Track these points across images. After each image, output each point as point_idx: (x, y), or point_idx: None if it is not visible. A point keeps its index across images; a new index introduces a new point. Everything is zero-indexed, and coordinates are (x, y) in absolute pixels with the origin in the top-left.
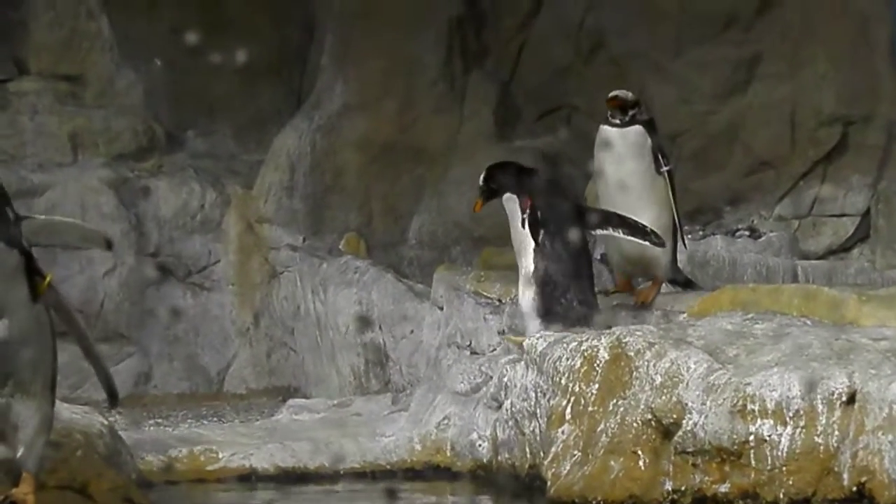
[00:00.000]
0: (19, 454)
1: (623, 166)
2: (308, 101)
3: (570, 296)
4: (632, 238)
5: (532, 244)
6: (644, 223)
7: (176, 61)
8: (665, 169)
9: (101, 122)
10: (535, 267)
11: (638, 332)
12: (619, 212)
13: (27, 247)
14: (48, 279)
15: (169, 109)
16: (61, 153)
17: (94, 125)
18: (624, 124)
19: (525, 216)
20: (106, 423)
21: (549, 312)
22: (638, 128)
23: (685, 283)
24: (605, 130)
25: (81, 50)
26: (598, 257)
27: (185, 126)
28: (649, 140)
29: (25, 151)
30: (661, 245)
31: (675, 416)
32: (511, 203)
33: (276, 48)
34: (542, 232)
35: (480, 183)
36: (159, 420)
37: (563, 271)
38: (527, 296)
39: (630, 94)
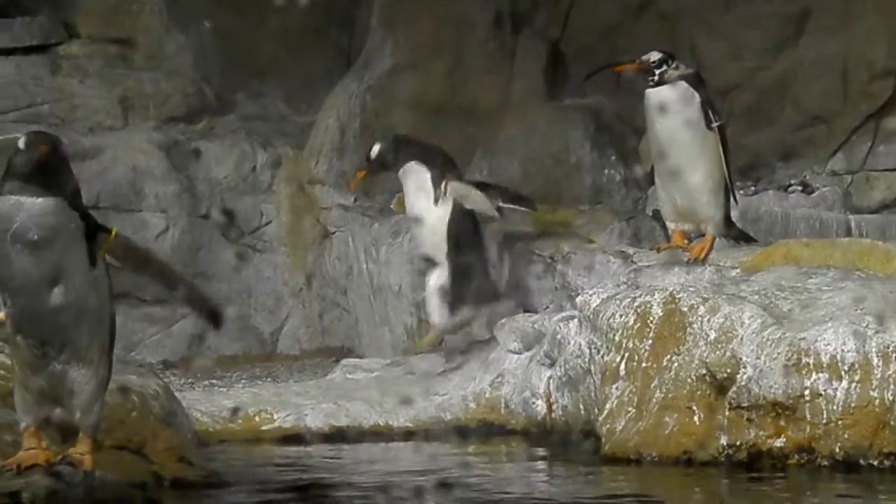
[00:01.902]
0: (76, 417)
1: (671, 124)
2: (358, 62)
3: (480, 277)
4: (511, 206)
5: (446, 225)
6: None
7: (225, 23)
8: (715, 124)
9: (151, 84)
10: (450, 250)
11: (691, 288)
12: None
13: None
14: (113, 233)
15: (219, 71)
16: (112, 116)
17: (144, 88)
18: (658, 83)
19: (440, 193)
20: (161, 383)
21: (460, 297)
22: (680, 84)
23: (740, 237)
24: (649, 92)
25: (131, 13)
26: (650, 213)
27: (235, 88)
28: (697, 95)
29: (76, 115)
30: (533, 208)
31: (729, 371)
32: (418, 175)
33: (325, 9)
34: (457, 213)
35: (375, 153)
36: (213, 381)
37: (476, 254)
38: (436, 280)
39: (655, 54)
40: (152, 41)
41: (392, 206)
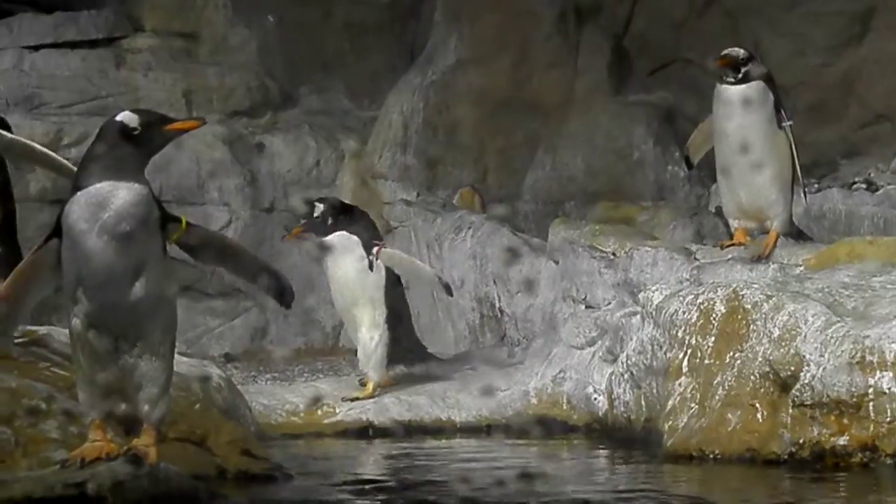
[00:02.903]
0: (143, 410)
1: (744, 123)
2: (421, 57)
3: (411, 336)
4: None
5: (383, 289)
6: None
7: (289, 17)
8: (786, 124)
9: (216, 78)
10: (388, 311)
11: (755, 285)
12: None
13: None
14: (184, 222)
15: (283, 66)
16: (176, 110)
17: (209, 82)
18: (740, 81)
19: (373, 260)
20: (224, 376)
21: (396, 355)
22: (759, 83)
23: (798, 236)
24: (723, 89)
25: (195, 7)
26: (713, 210)
27: (298, 82)
28: (770, 95)
29: (141, 108)
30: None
31: (793, 368)
32: (351, 244)
33: (389, 3)
34: (390, 277)
35: (319, 211)
36: (276, 374)
37: (406, 314)
38: (374, 340)
39: (741, 51)
40: (217, 35)
41: (455, 202)
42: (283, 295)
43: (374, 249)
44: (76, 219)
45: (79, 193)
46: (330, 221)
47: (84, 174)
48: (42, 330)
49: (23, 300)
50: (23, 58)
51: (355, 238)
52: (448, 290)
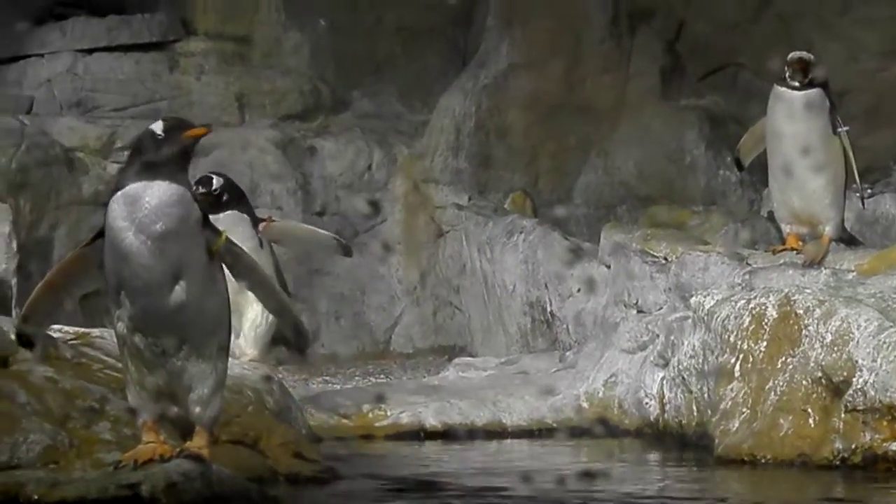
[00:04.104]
0: (194, 412)
1: (801, 128)
2: (473, 61)
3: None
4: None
5: (272, 266)
6: None
7: (342, 21)
8: (842, 129)
9: (268, 82)
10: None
11: (807, 290)
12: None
13: (203, 204)
14: (223, 236)
15: (335, 70)
16: (228, 113)
17: (261, 85)
18: (803, 86)
19: (261, 237)
20: (275, 379)
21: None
22: (818, 90)
23: (850, 241)
24: (784, 92)
25: (248, 10)
26: (765, 215)
27: (350, 86)
28: (827, 101)
29: (193, 112)
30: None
31: (845, 374)
32: (241, 222)
33: (441, 7)
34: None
35: (216, 185)
36: (327, 378)
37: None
38: (265, 318)
39: (812, 56)
40: (269, 39)
41: (506, 206)
42: (302, 342)
43: (261, 225)
44: (114, 217)
45: (118, 194)
46: (225, 198)
47: (122, 177)
48: (95, 332)
49: (63, 293)
50: (76, 61)
51: (245, 216)
52: (347, 251)
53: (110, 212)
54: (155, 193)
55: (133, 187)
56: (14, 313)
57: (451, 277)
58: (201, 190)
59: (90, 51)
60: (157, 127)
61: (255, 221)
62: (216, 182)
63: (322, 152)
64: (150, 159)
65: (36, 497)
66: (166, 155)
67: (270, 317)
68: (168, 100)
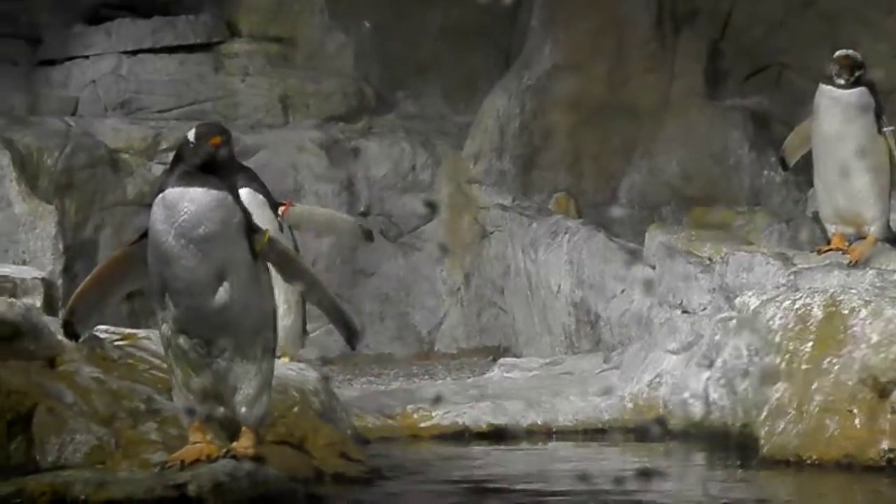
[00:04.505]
0: (240, 412)
1: (847, 127)
2: (517, 62)
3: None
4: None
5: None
6: None
7: (386, 22)
8: (887, 129)
9: (312, 83)
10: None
11: (853, 291)
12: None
13: (245, 204)
14: (266, 235)
15: (379, 71)
16: (272, 114)
17: (305, 87)
18: (849, 85)
19: (282, 221)
20: (320, 380)
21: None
22: (864, 89)
23: (895, 242)
24: (829, 90)
25: (292, 12)
26: (810, 215)
27: (394, 87)
28: (873, 101)
29: (238, 113)
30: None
31: (891, 374)
32: (258, 203)
33: (484, 9)
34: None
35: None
36: (372, 378)
37: None
38: (290, 312)
39: (857, 55)
40: (313, 40)
41: (550, 207)
42: (352, 337)
43: (280, 209)
44: (154, 220)
45: (159, 196)
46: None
47: (164, 180)
48: (141, 333)
49: (109, 290)
50: (121, 62)
51: (261, 197)
52: (368, 235)
53: (152, 214)
54: (194, 198)
55: (172, 192)
56: (60, 314)
57: (496, 278)
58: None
59: (135, 52)
60: (191, 134)
61: (275, 205)
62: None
63: (366, 153)
64: (185, 165)
65: (83, 497)
66: (197, 162)
67: (292, 306)
68: (212, 101)
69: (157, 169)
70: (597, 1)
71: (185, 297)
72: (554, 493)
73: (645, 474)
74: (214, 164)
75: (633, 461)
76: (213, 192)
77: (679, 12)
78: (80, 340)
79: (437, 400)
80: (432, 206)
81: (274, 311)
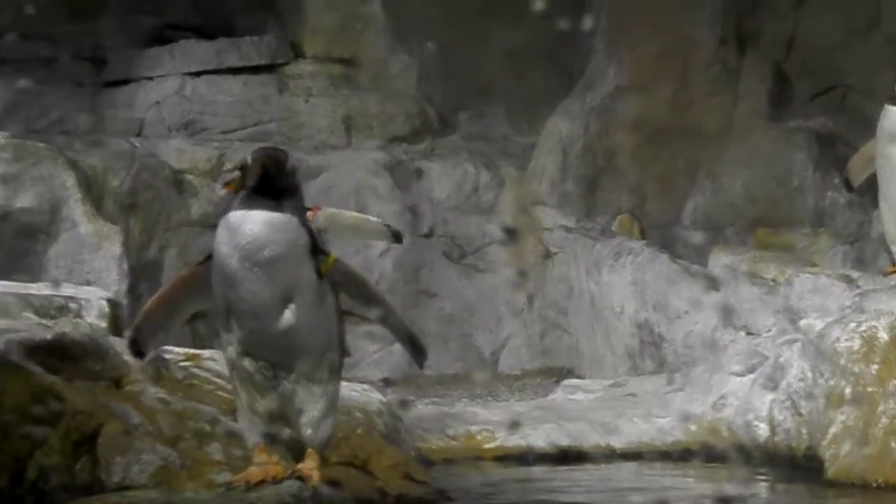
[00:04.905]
0: (305, 434)
1: None
2: (580, 83)
3: None
4: None
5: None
6: None
7: (449, 43)
8: None
9: (375, 104)
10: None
11: None
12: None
13: (312, 227)
14: (332, 257)
15: (442, 92)
16: (336, 135)
17: (368, 108)
18: None
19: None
20: (384, 401)
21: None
22: None
23: None
24: (894, 112)
25: (355, 33)
26: (875, 236)
27: (457, 108)
28: None
29: (301, 134)
30: None
31: None
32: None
33: (547, 30)
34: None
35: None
36: (435, 399)
37: None
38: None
39: None
40: (376, 61)
41: (614, 228)
42: (419, 356)
43: (309, 213)
44: (218, 242)
45: (223, 219)
46: (284, 181)
47: (229, 202)
48: (205, 353)
49: (174, 309)
50: (185, 84)
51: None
52: (397, 238)
53: (216, 236)
54: (257, 221)
55: (235, 215)
56: (126, 334)
57: (559, 299)
58: (237, 173)
59: (199, 73)
60: (249, 158)
61: (302, 209)
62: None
63: (429, 174)
64: (248, 187)
65: None
66: (254, 185)
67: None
68: (276, 122)
69: (222, 190)
70: (661, 23)
71: (249, 319)
72: None
73: (724, 500)
74: (273, 187)
75: (704, 485)
76: (276, 215)
77: (743, 35)
78: (146, 360)
79: (515, 425)
80: (510, 233)
81: (340, 332)
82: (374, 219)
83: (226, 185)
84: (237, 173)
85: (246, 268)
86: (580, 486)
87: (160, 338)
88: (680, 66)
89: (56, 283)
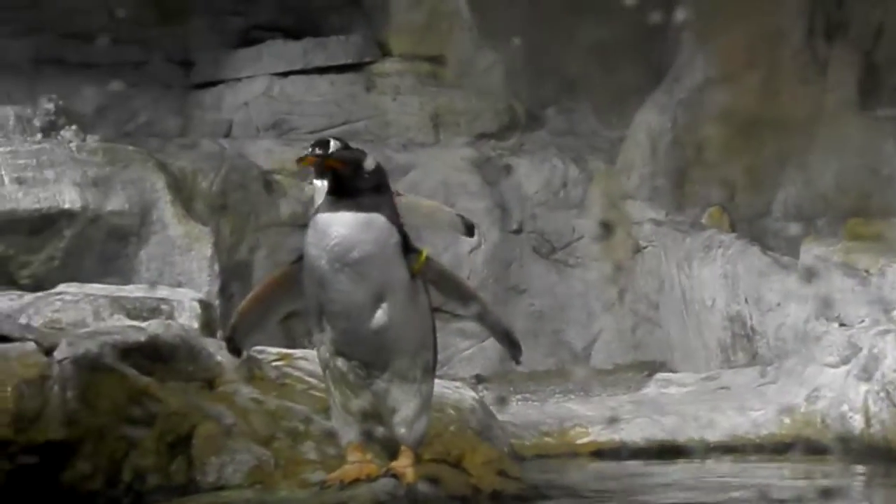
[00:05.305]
0: (399, 433)
1: None
2: (668, 76)
3: None
4: None
5: None
6: None
7: (535, 39)
8: None
9: (462, 101)
10: None
11: None
12: None
13: (402, 224)
14: (424, 254)
15: (529, 88)
16: (424, 133)
17: (455, 105)
18: None
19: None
20: (477, 398)
21: None
22: None
23: None
24: None
25: (441, 31)
26: None
27: (545, 104)
28: None
29: (389, 132)
30: None
31: None
32: None
33: (635, 23)
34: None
35: (329, 150)
36: (527, 395)
37: None
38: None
39: None
40: (463, 58)
41: (703, 221)
42: (515, 351)
43: None
44: (307, 243)
45: (311, 220)
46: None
47: (318, 204)
48: (297, 353)
49: (269, 308)
50: (272, 84)
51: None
52: (469, 230)
53: (306, 237)
54: (344, 222)
55: (322, 216)
56: (219, 335)
57: (650, 293)
58: (317, 151)
59: (286, 74)
60: (330, 140)
61: None
62: (333, 145)
63: (518, 170)
64: (333, 189)
65: None
66: (334, 186)
67: None
68: (364, 121)
69: (310, 189)
70: (749, 14)
71: (341, 320)
72: None
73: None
74: (352, 188)
75: (802, 478)
76: (361, 215)
77: (831, 24)
78: (241, 358)
79: (613, 420)
80: (606, 227)
81: (433, 331)
82: (448, 208)
83: (300, 160)
84: (315, 150)
85: (336, 269)
86: (677, 480)
87: (256, 337)
88: (768, 56)
89: (153, 286)
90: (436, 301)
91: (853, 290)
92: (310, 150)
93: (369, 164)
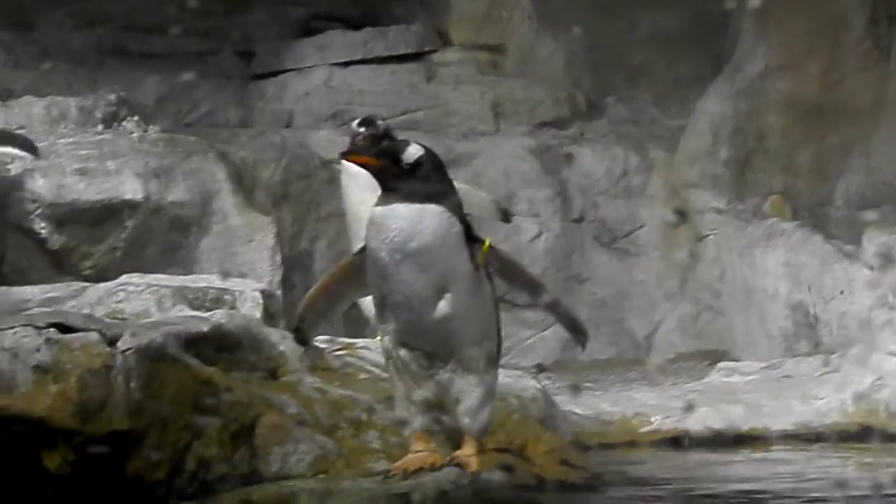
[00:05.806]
0: (463, 422)
1: None
2: (729, 65)
3: None
4: None
5: None
6: None
7: (595, 27)
8: None
9: (523, 90)
10: None
11: None
12: None
13: (464, 214)
14: (487, 243)
15: (589, 76)
16: (484, 122)
17: (516, 94)
18: None
19: None
20: (539, 387)
21: None
22: None
23: None
24: None
25: (501, 20)
26: None
27: (605, 92)
28: None
29: (450, 121)
30: None
31: None
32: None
33: (695, 12)
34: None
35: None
36: (588, 384)
37: None
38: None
39: None
40: (523, 47)
41: (765, 209)
42: (581, 338)
43: None
44: (368, 236)
45: (371, 214)
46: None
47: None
48: (359, 342)
49: (335, 298)
50: (332, 74)
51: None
52: (505, 215)
53: (366, 230)
54: (401, 214)
55: (377, 211)
56: (282, 325)
57: (712, 282)
58: (363, 131)
59: (346, 64)
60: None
61: None
62: (381, 125)
63: (578, 159)
64: (389, 182)
65: None
66: (377, 180)
67: None
68: (424, 110)
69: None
70: (810, 1)
71: (404, 310)
72: (811, 501)
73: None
74: (401, 179)
75: (871, 467)
76: (415, 206)
77: (894, 10)
78: (307, 348)
79: (690, 408)
80: (681, 214)
81: (497, 320)
82: (482, 194)
83: (343, 155)
84: (360, 129)
85: (396, 260)
86: (742, 469)
87: (322, 326)
88: (830, 43)
89: (224, 276)
90: (499, 290)
91: None
92: (355, 126)
93: (410, 154)
